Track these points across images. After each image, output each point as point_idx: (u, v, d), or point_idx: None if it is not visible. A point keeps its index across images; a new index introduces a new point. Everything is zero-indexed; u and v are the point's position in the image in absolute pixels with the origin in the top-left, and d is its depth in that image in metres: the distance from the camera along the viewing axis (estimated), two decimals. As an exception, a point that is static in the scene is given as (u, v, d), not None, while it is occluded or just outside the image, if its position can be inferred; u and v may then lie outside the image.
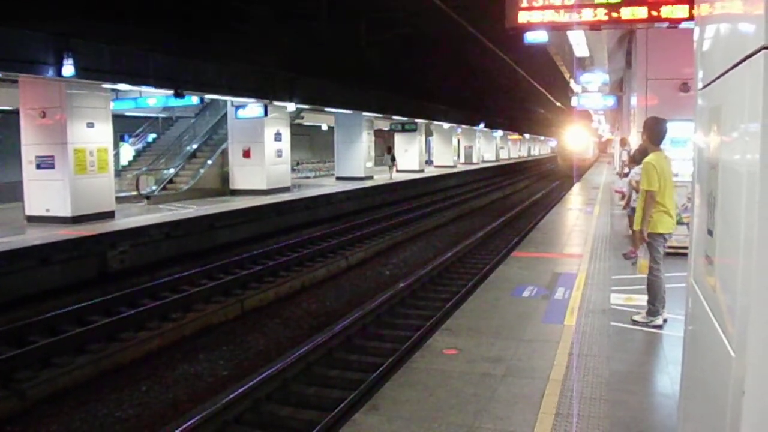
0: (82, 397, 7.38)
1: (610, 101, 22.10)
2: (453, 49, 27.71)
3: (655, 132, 6.60)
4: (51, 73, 12.74)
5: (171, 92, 16.21)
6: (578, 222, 14.89)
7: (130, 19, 14.00)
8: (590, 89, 22.86)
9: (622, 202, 14.54)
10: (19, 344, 8.66)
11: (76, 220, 14.32)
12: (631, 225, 10.60)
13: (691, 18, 5.24)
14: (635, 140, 11.78)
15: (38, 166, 14.64)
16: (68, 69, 12.58)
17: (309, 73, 20.76)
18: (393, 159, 32.25)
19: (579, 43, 15.12)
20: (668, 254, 6.65)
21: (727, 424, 1.86)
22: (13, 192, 17.43)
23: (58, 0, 12.48)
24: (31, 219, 14.71)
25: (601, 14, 5.70)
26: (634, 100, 12.45)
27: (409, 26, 22.59)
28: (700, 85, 2.73)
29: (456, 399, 4.84)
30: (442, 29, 20.84)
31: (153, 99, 20.64)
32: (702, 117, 2.69)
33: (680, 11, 5.39)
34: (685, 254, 3.11)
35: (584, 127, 47.37)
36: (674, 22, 5.51)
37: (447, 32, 20.75)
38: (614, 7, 5.65)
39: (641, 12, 5.56)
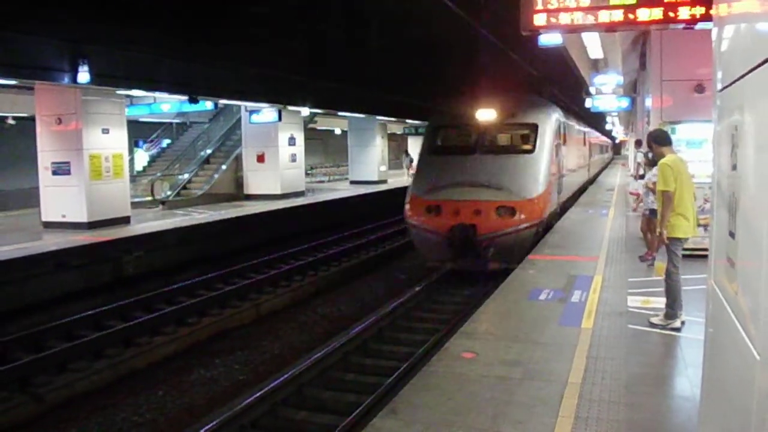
0: (100, 402, 7.43)
1: (624, 102, 21.96)
2: (466, 51, 27.62)
3: (659, 137, 6.65)
4: (66, 79, 12.82)
5: (185, 98, 16.29)
6: (593, 224, 14.80)
7: (144, 25, 14.07)
8: (604, 91, 22.71)
9: (635, 204, 14.44)
10: (36, 349, 8.73)
11: (91, 225, 14.42)
12: (643, 227, 10.56)
13: (708, 18, 5.19)
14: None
15: (54, 173, 14.77)
16: (83, 75, 12.65)
17: (322, 77, 20.78)
18: (411, 161, 32.25)
19: (593, 44, 15.04)
20: (684, 256, 6.58)
21: (752, 430, 1.84)
22: (30, 198, 17.58)
23: (72, 7, 12.57)
24: (48, 225, 14.84)
25: (617, 16, 5.66)
26: (648, 102, 12.38)
27: (421, 29, 22.55)
28: (719, 86, 2.70)
29: (474, 403, 4.82)
30: (455, 32, 20.79)
31: (167, 104, 20.84)
32: (722, 118, 2.67)
33: (697, 12, 5.33)
34: (702, 256, 3.08)
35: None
36: (691, 23, 5.45)
37: (460, 35, 20.69)
38: (630, 9, 5.61)
39: (658, 13, 5.51)
